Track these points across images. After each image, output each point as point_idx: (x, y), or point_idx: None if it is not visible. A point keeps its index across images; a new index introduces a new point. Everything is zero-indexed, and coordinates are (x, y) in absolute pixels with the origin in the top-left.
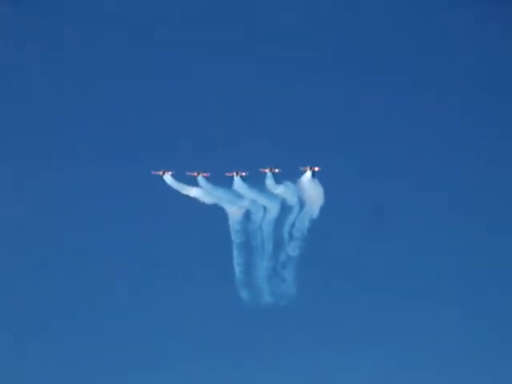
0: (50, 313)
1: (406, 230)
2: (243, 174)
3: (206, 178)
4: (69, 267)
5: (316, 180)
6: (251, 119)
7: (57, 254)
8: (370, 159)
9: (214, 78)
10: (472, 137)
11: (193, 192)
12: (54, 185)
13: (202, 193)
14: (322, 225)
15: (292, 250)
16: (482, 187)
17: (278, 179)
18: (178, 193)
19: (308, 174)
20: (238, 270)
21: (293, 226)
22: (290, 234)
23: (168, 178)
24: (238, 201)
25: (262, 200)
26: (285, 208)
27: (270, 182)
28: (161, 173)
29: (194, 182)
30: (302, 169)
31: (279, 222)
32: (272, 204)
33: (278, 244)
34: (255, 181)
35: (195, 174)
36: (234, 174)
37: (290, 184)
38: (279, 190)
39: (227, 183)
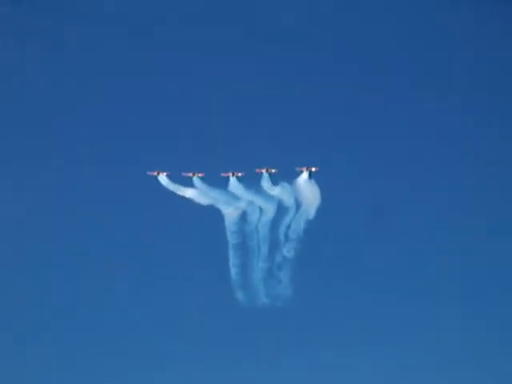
0: (50, 313)
1: (404, 231)
2: (239, 174)
3: (202, 179)
4: (67, 267)
5: (313, 181)
6: (247, 119)
7: (56, 254)
8: (368, 159)
9: (210, 78)
10: (472, 137)
11: (188, 193)
12: (52, 185)
13: (197, 194)
14: (318, 226)
15: (288, 251)
16: (482, 187)
17: (275, 180)
18: (173, 194)
19: (305, 174)
20: (233, 271)
21: (289, 227)
22: (286, 236)
23: (163, 178)
24: (234, 202)
25: (258, 201)
26: (281, 209)
27: (266, 183)
28: (155, 173)
29: (189, 183)
30: (298, 169)
31: (275, 223)
32: (268, 205)
33: (274, 245)
34: (251, 181)
35: (190, 174)
36: (230, 174)
37: (286, 185)
38: (276, 191)
39: (223, 184)
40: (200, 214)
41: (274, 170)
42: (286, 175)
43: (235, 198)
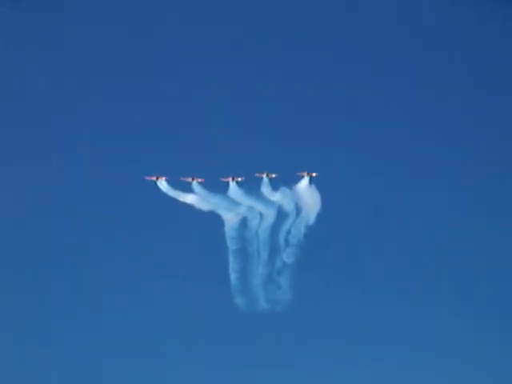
0: (50, 313)
1: (405, 237)
2: (239, 179)
3: (201, 184)
4: (66, 270)
5: (313, 186)
6: (247, 124)
7: (55, 256)
8: (369, 165)
9: (210, 80)
10: (472, 137)
11: (189, 199)
12: (52, 189)
13: (198, 200)
14: (318, 231)
15: (288, 256)
16: (482, 187)
17: (275, 185)
18: (173, 199)
19: (305, 179)
20: (233, 276)
21: (289, 232)
22: (286, 241)
23: (163, 184)
24: (235, 207)
25: (258, 206)
26: (281, 214)
27: (266, 188)
28: (154, 178)
29: (188, 188)
30: (299, 174)
31: (275, 228)
32: (268, 210)
33: (274, 251)
34: (251, 186)
35: (190, 179)
36: (230, 179)
37: (286, 190)
38: (276, 196)
39: (223, 189)
40: (200, 219)
41: (274, 175)
42: (287, 180)
43: (235, 203)
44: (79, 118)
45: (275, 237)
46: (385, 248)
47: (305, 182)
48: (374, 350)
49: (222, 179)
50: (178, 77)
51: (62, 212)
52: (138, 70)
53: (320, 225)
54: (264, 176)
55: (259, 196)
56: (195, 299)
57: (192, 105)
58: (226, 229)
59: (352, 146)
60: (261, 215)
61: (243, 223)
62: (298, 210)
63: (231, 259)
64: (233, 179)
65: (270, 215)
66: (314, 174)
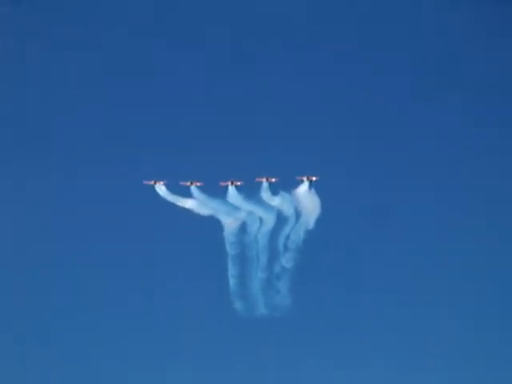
0: (50, 313)
1: (405, 241)
2: (238, 183)
3: (200, 188)
4: (66, 274)
5: (313, 190)
6: (246, 126)
7: (55, 260)
8: (369, 168)
9: (210, 83)
10: (472, 137)
11: (188, 204)
12: (51, 190)
13: (197, 204)
14: (317, 236)
15: (287, 261)
16: (482, 187)
17: (274, 189)
18: (172, 204)
19: (305, 183)
20: (232, 281)
21: (288, 237)
22: (285, 246)
23: (161, 188)
24: (234, 212)
25: (258, 211)
26: (281, 219)
27: (266, 193)
28: (152, 183)
29: (187, 192)
30: (298, 178)
31: (275, 233)
32: (268, 215)
33: (273, 255)
34: (251, 191)
35: (188, 183)
36: (229, 183)
37: (286, 195)
38: (276, 201)
39: (221, 193)
40: (199, 224)
41: (274, 179)
42: (286, 184)
43: (235, 208)
44: (78, 119)
45: (274, 241)
46: (384, 253)
47: (304, 186)
48: (373, 355)
49: (221, 183)
50: (178, 80)
51: (60, 216)
52: (138, 73)
53: (319, 229)
54: (264, 180)
55: (259, 201)
56: (194, 304)
57: (190, 107)
58: (225, 233)
59: (352, 150)
60: (260, 220)
61: (242, 228)
62: (298, 215)
63: (230, 264)
64: (232, 183)
65: (270, 220)
66: (314, 178)
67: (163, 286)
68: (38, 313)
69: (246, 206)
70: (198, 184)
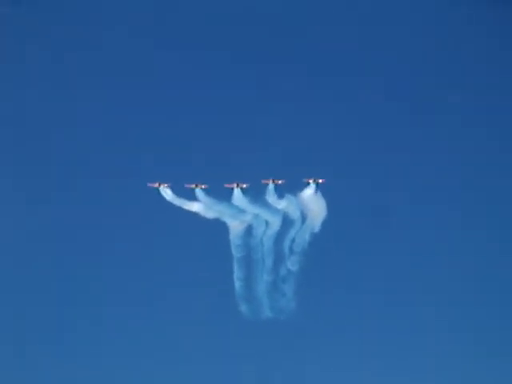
0: (50, 313)
1: (411, 245)
2: (244, 185)
3: (205, 190)
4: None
5: (319, 193)
6: (252, 128)
7: (59, 263)
8: (376, 172)
9: (214, 85)
10: (472, 137)
11: (194, 207)
12: (55, 193)
13: (203, 208)
14: (322, 239)
15: (292, 264)
16: (482, 187)
17: (280, 191)
18: (178, 207)
19: (311, 186)
20: (238, 284)
21: (293, 240)
22: (291, 249)
23: (167, 192)
24: (240, 215)
25: (263, 214)
26: (286, 222)
27: (271, 197)
28: (157, 185)
29: (192, 195)
30: (305, 180)
31: (280, 236)
32: (274, 218)
33: (279, 258)
34: (256, 194)
35: (193, 185)
36: (235, 185)
37: (292, 198)
38: (281, 204)
39: (227, 195)
40: (205, 227)
41: (280, 181)
42: (292, 186)
43: (241, 211)
44: (80, 121)
45: (280, 244)
46: (390, 257)
47: (310, 189)
48: (378, 358)
49: (227, 185)
50: (182, 82)
51: (65, 219)
52: (141, 74)
53: (325, 232)
54: (270, 182)
55: (265, 203)
56: (200, 306)
57: (196, 111)
58: (231, 236)
59: (359, 154)
60: (266, 223)
61: (248, 231)
62: (304, 218)
63: (236, 267)
64: (237, 185)
65: (276, 223)
66: (320, 181)
67: (169, 288)
68: (38, 313)
69: (252, 208)
70: (203, 187)
